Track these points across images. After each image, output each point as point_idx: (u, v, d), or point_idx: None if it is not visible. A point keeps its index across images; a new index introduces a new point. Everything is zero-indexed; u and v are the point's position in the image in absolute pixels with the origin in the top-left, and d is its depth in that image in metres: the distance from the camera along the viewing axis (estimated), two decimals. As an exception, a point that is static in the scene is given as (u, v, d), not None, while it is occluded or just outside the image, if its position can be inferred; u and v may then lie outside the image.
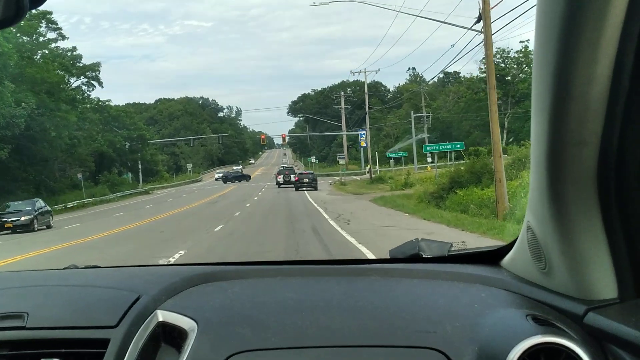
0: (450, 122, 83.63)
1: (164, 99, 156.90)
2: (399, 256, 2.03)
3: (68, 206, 43.22)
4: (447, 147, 41.55)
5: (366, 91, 59.81)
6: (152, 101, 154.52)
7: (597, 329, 1.28)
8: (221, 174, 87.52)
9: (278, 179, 59.29)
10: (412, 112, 66.91)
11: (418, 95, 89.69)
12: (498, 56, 77.56)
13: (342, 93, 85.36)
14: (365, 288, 1.72)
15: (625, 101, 1.15)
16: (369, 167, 58.55)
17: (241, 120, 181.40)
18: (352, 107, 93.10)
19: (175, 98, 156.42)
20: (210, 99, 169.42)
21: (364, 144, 60.24)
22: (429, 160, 71.35)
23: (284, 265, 2.02)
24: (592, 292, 1.33)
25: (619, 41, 1.10)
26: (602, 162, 1.21)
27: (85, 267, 2.17)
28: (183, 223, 24.79)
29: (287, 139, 79.49)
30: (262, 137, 77.73)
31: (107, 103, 64.17)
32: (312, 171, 61.17)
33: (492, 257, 1.85)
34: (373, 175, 55.87)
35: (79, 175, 48.89)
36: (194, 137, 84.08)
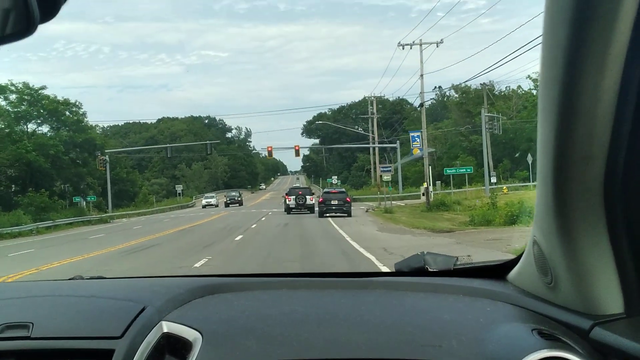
0: (515, 130, 64.05)
1: (167, 117, 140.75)
2: (404, 269, 2.01)
3: None
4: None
5: (422, 72, 39.54)
6: (154, 120, 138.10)
7: (603, 343, 1.27)
8: (211, 200, 68.68)
9: (288, 202, 39.44)
10: (482, 111, 46.79)
11: (472, 99, 69.87)
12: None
13: (373, 96, 65.74)
14: (371, 301, 1.70)
15: (632, 117, 1.16)
16: (424, 186, 38.59)
17: (251, 142, 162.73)
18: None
19: (180, 117, 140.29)
20: (217, 119, 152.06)
21: (418, 151, 39.89)
22: (493, 181, 51.90)
23: (289, 277, 2.02)
24: (598, 307, 1.33)
25: (625, 57, 1.10)
26: (609, 176, 1.21)
27: (91, 278, 2.16)
28: None
29: (300, 151, 59.31)
30: (269, 148, 58.16)
31: (39, 91, 44.03)
32: (343, 189, 40.72)
33: (498, 271, 1.83)
34: (430, 199, 36.31)
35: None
36: (169, 145, 63.58)
